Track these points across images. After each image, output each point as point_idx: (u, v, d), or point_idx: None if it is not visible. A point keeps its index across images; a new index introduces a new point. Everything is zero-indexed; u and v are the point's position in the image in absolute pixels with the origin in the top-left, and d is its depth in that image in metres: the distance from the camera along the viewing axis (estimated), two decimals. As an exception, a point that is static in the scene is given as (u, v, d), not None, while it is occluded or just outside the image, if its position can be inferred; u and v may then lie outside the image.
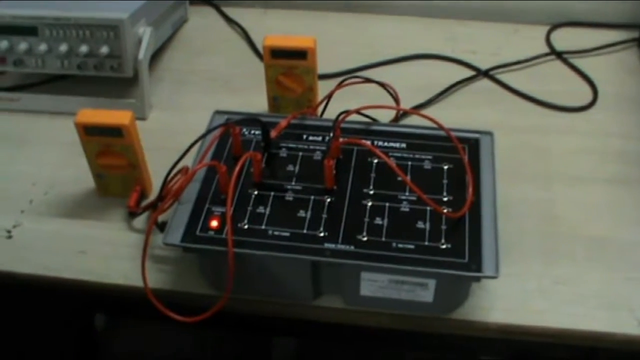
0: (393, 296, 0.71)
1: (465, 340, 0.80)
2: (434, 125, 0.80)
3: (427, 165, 0.78)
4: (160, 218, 0.78)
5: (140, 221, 0.84)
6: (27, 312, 1.04)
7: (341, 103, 0.82)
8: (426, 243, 0.69)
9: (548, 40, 1.13)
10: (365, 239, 0.70)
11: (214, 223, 0.71)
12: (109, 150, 0.81)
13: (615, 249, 0.80)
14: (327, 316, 0.76)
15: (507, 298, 0.75)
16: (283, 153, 0.79)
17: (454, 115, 0.87)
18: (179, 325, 0.69)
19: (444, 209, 0.72)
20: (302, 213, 0.72)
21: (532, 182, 0.88)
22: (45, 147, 0.95)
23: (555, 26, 1.15)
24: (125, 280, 0.77)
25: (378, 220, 0.71)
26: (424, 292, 0.70)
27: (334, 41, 1.13)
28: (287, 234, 0.70)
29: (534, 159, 0.91)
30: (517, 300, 0.75)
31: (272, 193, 0.75)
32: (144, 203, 0.85)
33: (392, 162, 0.74)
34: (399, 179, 0.74)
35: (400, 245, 0.69)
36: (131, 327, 1.29)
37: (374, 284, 0.71)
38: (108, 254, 0.80)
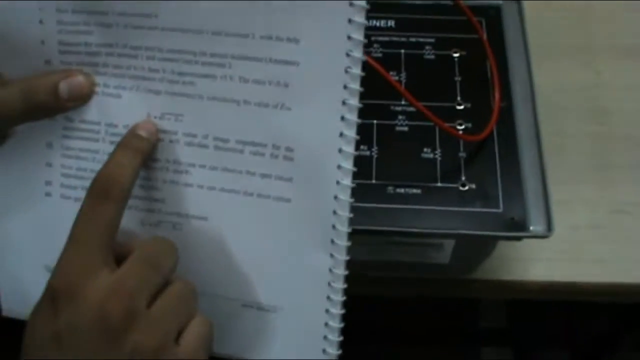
0: (392, 259, 0.49)
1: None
2: (436, -8, 0.54)
3: (429, 54, 0.53)
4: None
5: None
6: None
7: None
8: (438, 184, 0.46)
9: None
10: (346, 183, 0.46)
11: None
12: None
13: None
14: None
15: (549, 242, 0.53)
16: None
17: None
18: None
19: (458, 125, 0.48)
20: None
21: (570, 61, 0.63)
22: None
23: None
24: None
25: (363, 150, 0.47)
26: (438, 254, 0.48)
27: None
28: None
29: (570, 27, 0.66)
30: (563, 244, 0.53)
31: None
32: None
33: (378, 66, 0.47)
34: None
35: (399, 191, 0.45)
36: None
37: (364, 247, 0.48)
38: None
